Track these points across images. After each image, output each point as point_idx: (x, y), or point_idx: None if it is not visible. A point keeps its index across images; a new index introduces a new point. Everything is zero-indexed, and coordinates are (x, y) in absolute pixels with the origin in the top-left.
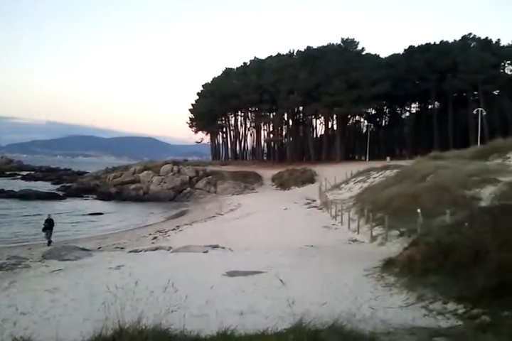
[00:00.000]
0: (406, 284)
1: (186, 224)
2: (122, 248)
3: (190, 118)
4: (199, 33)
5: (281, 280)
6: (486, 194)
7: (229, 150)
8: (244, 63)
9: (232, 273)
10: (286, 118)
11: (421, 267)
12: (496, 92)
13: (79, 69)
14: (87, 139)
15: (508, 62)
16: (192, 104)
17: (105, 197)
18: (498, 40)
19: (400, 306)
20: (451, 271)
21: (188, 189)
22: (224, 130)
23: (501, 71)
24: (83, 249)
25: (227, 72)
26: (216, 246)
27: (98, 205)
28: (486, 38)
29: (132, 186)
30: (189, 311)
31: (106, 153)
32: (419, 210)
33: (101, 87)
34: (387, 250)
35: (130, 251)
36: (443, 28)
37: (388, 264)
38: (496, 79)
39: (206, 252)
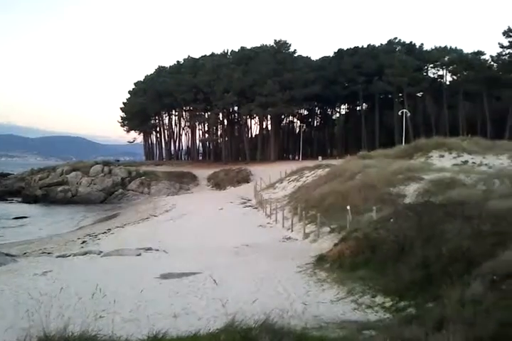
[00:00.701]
0: (337, 279)
1: (118, 227)
2: (49, 253)
3: (122, 117)
4: (131, 29)
5: (215, 281)
6: (411, 191)
7: (163, 150)
8: (178, 62)
9: (166, 276)
10: (221, 118)
11: (350, 262)
12: (419, 94)
13: None
14: (6, 138)
15: (431, 65)
16: (123, 103)
17: (31, 200)
18: (422, 44)
19: (331, 301)
20: (378, 265)
21: (120, 190)
22: (158, 129)
23: (424, 74)
24: (7, 255)
25: (160, 70)
26: (149, 249)
27: (23, 209)
28: (411, 42)
29: (60, 188)
30: (120, 316)
31: (32, 153)
32: (348, 207)
33: (19, 82)
34: (319, 246)
35: (58, 256)
36: (370, 32)
37: (320, 260)
38: (419, 81)
39: (139, 255)
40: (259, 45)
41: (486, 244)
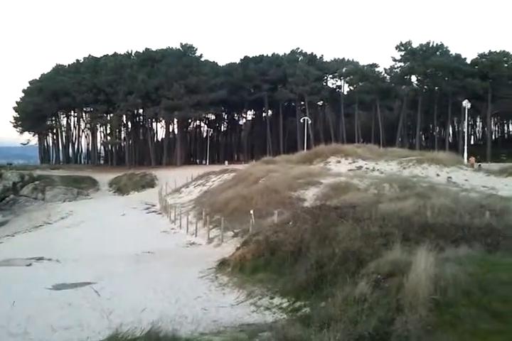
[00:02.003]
0: (237, 283)
1: (8, 236)
2: None
3: (15, 118)
4: (25, 23)
5: (97, 292)
6: (310, 195)
7: (60, 153)
8: (78, 60)
9: (58, 287)
10: (124, 121)
11: (251, 265)
12: (320, 103)
13: None
14: None
15: (330, 76)
16: (17, 102)
17: None
18: (322, 55)
19: (231, 305)
20: (277, 267)
21: (12, 196)
22: (54, 131)
23: (324, 84)
24: None
25: (58, 68)
26: (41, 258)
27: None
28: (312, 53)
29: None
30: (6, 330)
31: None
32: (251, 211)
33: None
34: (222, 251)
35: None
36: (274, 41)
37: (222, 265)
38: (319, 91)
39: (30, 265)
40: (164, 47)
41: (374, 245)
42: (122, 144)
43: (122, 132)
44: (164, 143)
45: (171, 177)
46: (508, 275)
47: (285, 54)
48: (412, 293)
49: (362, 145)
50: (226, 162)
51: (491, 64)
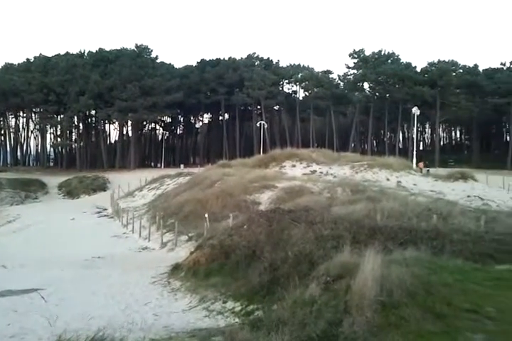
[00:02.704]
0: (190, 287)
1: None
2: None
3: None
4: None
5: (44, 299)
6: (265, 198)
7: (8, 155)
8: (28, 59)
9: (4, 293)
10: (76, 122)
11: (205, 269)
12: (276, 108)
13: None
14: None
15: (286, 81)
16: None
17: None
18: (278, 60)
19: (183, 310)
20: (231, 270)
21: None
22: (2, 132)
23: (280, 89)
24: None
25: (7, 67)
26: None
27: None
28: (268, 58)
29: None
30: None
31: None
32: (206, 215)
33: None
34: (176, 255)
35: None
36: (231, 45)
37: (175, 269)
38: (276, 95)
39: None
40: (119, 48)
41: (325, 247)
42: (73, 146)
43: (73, 134)
44: (117, 145)
45: (124, 180)
46: (452, 277)
47: (242, 58)
48: (359, 294)
49: (316, 149)
50: (182, 165)
51: (439, 72)
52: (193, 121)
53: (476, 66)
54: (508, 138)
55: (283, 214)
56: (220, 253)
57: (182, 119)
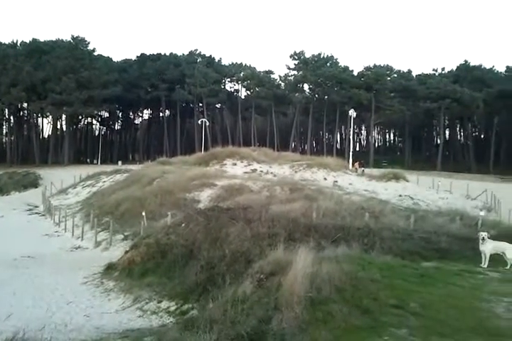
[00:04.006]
0: (124, 287)
1: None
2: None
3: None
4: None
5: None
6: (204, 196)
7: None
8: None
9: None
10: (7, 115)
11: (140, 269)
12: (218, 106)
13: None
14: None
15: (228, 79)
16: None
17: None
18: (220, 58)
19: (116, 310)
20: (167, 269)
21: None
22: None
23: (222, 87)
24: None
25: None
26: None
27: None
28: (210, 55)
29: None
30: None
31: None
32: (143, 213)
33: None
34: (110, 255)
35: None
36: (172, 40)
37: (109, 269)
38: (218, 93)
39: None
40: (54, 39)
41: (262, 245)
42: (3, 140)
43: (4, 127)
44: (51, 140)
45: (57, 176)
46: (380, 273)
47: (183, 54)
48: (289, 291)
49: (257, 148)
50: (119, 162)
51: (375, 76)
52: (132, 117)
53: (409, 71)
54: (438, 140)
55: (222, 213)
56: (156, 253)
57: (120, 114)
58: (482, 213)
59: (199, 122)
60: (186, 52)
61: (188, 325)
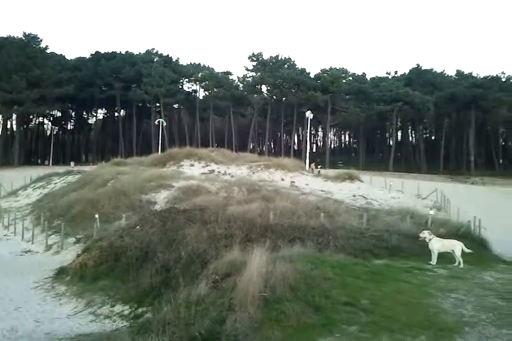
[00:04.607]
0: (77, 292)
1: None
2: None
3: None
4: None
5: None
6: (161, 198)
7: None
8: None
9: None
10: None
11: (93, 273)
12: (176, 106)
13: None
14: None
15: (186, 79)
16: None
17: None
18: (178, 58)
19: (67, 315)
20: (121, 273)
21: None
22: None
23: (180, 87)
24: None
25: None
26: None
27: None
28: (168, 55)
29: None
30: None
31: None
32: (97, 216)
33: None
34: (62, 258)
35: None
36: (128, 39)
37: (60, 273)
38: (175, 93)
39: None
40: (5, 36)
41: (218, 246)
42: None
43: None
44: (0, 140)
45: (6, 178)
46: (332, 271)
47: (140, 53)
48: (243, 291)
49: (216, 149)
50: (72, 163)
51: (331, 79)
52: (85, 117)
53: (364, 74)
54: (390, 142)
55: (178, 214)
56: (109, 256)
57: (73, 114)
58: (432, 212)
59: (156, 122)
60: (143, 51)
61: (142, 329)
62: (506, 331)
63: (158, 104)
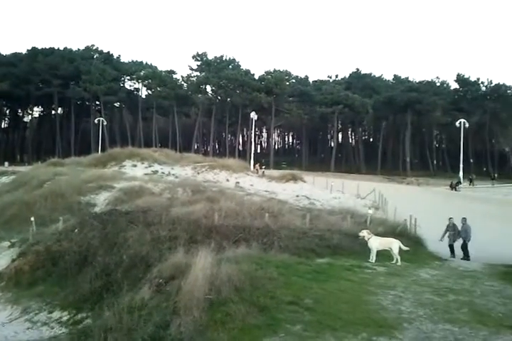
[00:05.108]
0: (11, 298)
1: None
2: None
3: None
4: None
5: None
6: (101, 200)
7: None
8: None
9: None
10: None
11: (29, 278)
12: (117, 104)
13: None
14: None
15: (128, 77)
16: None
17: None
18: (119, 55)
19: (2, 323)
20: (59, 278)
21: None
22: None
23: (121, 85)
24: None
25: None
26: None
27: None
28: (108, 52)
29: None
30: None
31: None
32: (32, 219)
33: None
34: None
35: None
36: (67, 34)
37: None
38: (116, 92)
39: None
40: None
41: (162, 249)
42: None
43: None
44: None
45: None
46: (277, 271)
47: (79, 49)
48: (188, 294)
49: (159, 149)
50: (6, 163)
51: (275, 81)
52: (21, 114)
53: (306, 77)
54: (332, 143)
55: (120, 216)
56: (46, 260)
57: (8, 112)
58: (370, 211)
59: (95, 121)
60: (82, 47)
61: (82, 335)
62: (442, 326)
63: (98, 103)
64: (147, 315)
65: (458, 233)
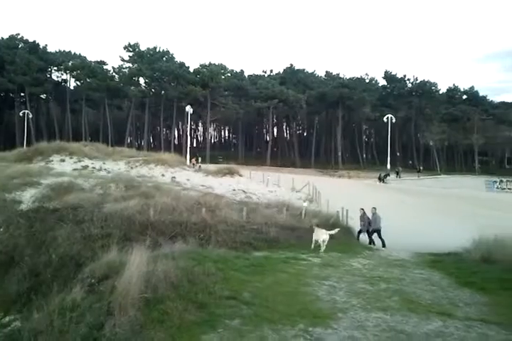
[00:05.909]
0: None
1: None
2: None
3: None
4: None
5: None
6: (27, 197)
7: None
8: None
9: None
10: None
11: None
12: (43, 96)
13: None
14: None
15: (55, 68)
16: None
17: None
18: (46, 45)
19: None
20: None
21: None
22: None
23: (48, 76)
24: None
25: None
26: None
27: None
28: (34, 41)
29: None
30: None
31: None
32: None
33: None
34: None
35: None
36: None
37: None
38: (42, 83)
39: None
40: None
41: (94, 247)
42: None
43: None
44: None
45: None
46: (215, 266)
47: (2, 38)
48: (123, 294)
49: (89, 143)
50: None
51: (210, 74)
52: None
53: (242, 71)
54: (267, 138)
55: (48, 214)
56: None
57: None
58: (305, 204)
59: (20, 114)
60: (6, 36)
61: (9, 339)
62: (375, 314)
63: (22, 94)
64: (79, 316)
65: (369, 223)
